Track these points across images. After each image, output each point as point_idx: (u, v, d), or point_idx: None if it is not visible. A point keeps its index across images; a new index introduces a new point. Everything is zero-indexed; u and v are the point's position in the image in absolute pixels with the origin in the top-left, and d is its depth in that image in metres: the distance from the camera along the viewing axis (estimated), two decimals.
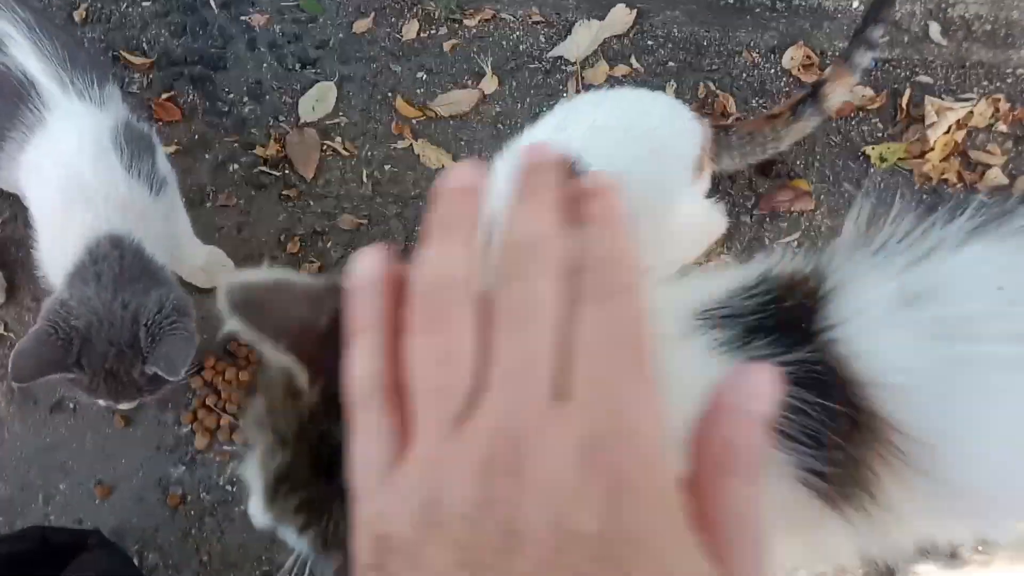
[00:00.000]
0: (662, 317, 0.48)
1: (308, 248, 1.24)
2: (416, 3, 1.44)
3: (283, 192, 1.28)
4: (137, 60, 1.40)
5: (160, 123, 1.34)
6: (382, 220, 1.26)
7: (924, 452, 0.47)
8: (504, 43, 1.40)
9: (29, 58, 0.93)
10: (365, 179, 1.29)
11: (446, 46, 1.40)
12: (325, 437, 0.33)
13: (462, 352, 0.24)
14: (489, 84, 1.36)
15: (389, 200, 1.28)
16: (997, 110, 1.26)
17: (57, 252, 0.91)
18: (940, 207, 0.53)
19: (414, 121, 1.34)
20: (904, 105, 1.28)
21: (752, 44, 1.37)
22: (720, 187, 1.22)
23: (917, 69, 1.32)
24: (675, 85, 1.34)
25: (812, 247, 0.56)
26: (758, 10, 1.41)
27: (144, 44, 1.42)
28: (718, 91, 1.33)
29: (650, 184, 0.97)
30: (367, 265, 0.27)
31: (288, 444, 0.35)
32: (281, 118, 1.35)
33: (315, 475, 0.35)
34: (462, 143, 1.32)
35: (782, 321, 0.49)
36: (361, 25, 1.43)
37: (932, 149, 1.24)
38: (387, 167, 1.30)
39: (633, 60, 1.37)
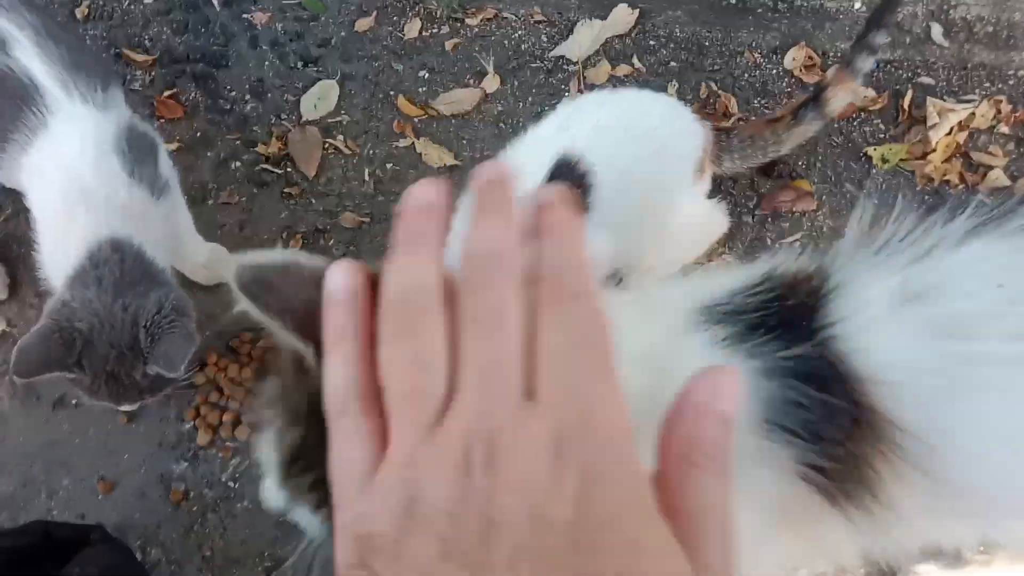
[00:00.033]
0: (666, 311, 0.49)
1: (310, 246, 1.24)
2: (418, 2, 1.44)
3: (285, 190, 1.29)
4: (139, 57, 1.41)
5: (162, 120, 1.34)
6: (384, 218, 1.26)
7: (924, 450, 0.47)
8: (506, 42, 1.40)
9: (34, 60, 0.93)
10: (367, 177, 1.30)
11: (448, 45, 1.40)
12: None
13: (434, 356, 0.25)
14: (491, 83, 1.37)
15: (391, 198, 1.28)
16: (999, 112, 1.27)
17: (58, 255, 0.91)
18: (941, 207, 0.53)
19: (416, 120, 1.34)
20: (906, 106, 1.28)
21: (754, 44, 1.37)
22: (722, 187, 1.22)
23: (919, 70, 1.32)
24: (677, 85, 1.34)
25: (814, 248, 0.56)
26: (760, 10, 1.41)
27: (146, 41, 1.43)
28: (720, 91, 1.33)
29: (651, 184, 0.97)
30: (339, 280, 0.28)
31: (300, 422, 0.36)
32: (283, 116, 1.36)
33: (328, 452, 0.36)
34: (464, 142, 1.32)
35: (784, 319, 0.49)
36: (363, 24, 1.43)
37: (934, 150, 1.24)
38: (389, 165, 1.31)
39: (635, 60, 1.37)
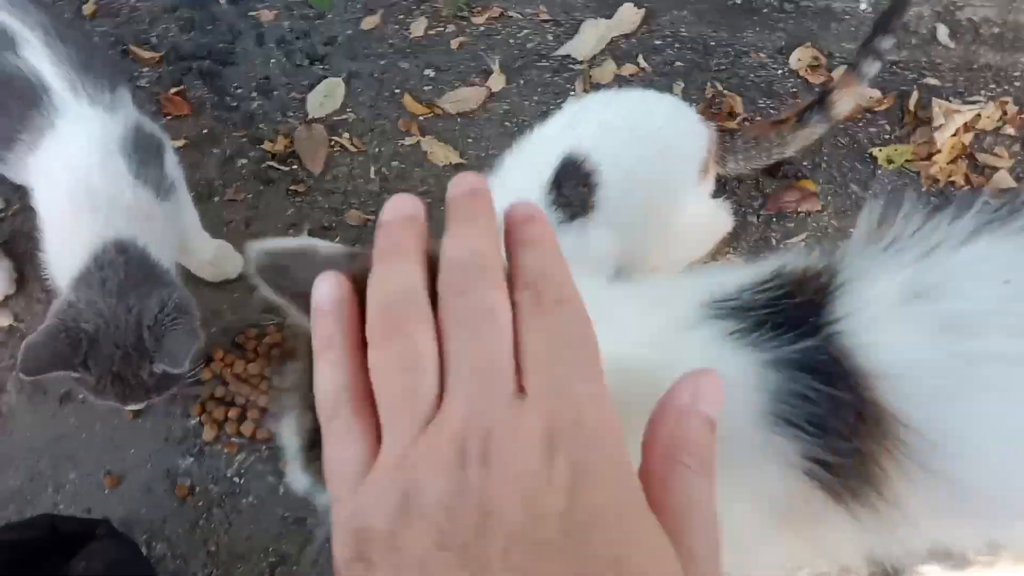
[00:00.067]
0: (674, 303, 0.49)
1: None
2: (424, 0, 1.45)
3: (291, 187, 1.29)
4: (146, 55, 1.41)
5: (169, 117, 1.35)
6: None
7: (927, 447, 0.47)
8: (512, 41, 1.41)
9: (43, 61, 0.93)
10: (373, 175, 1.30)
11: (454, 43, 1.41)
12: None
13: (423, 358, 0.26)
14: (497, 82, 1.37)
15: None
16: (1005, 113, 1.26)
17: (64, 256, 0.91)
18: (947, 206, 0.53)
19: (421, 118, 1.34)
20: (911, 107, 1.28)
21: (760, 45, 1.37)
22: (727, 187, 1.22)
23: (925, 71, 1.32)
24: (682, 85, 1.35)
25: (819, 248, 0.56)
26: (766, 11, 1.41)
27: (153, 39, 1.43)
28: (725, 91, 1.33)
29: (656, 184, 0.97)
30: (325, 290, 0.29)
31: None
32: (289, 113, 1.36)
33: None
34: (469, 140, 1.32)
35: (792, 316, 0.49)
36: (369, 22, 1.44)
37: (939, 151, 1.24)
38: (395, 163, 1.31)
39: (641, 59, 1.37)
